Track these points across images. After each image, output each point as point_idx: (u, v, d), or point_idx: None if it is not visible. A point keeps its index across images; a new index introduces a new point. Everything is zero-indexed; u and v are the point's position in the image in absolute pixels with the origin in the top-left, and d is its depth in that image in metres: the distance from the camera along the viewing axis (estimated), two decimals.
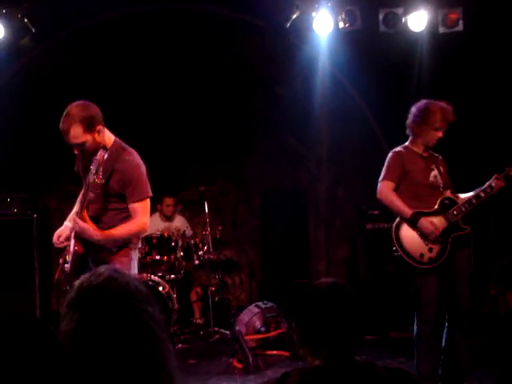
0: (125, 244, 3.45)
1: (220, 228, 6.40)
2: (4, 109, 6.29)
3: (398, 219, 3.94)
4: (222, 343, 5.63)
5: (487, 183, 3.86)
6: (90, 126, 3.27)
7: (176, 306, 5.61)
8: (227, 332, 5.72)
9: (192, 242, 6.02)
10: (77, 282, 1.43)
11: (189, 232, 6.35)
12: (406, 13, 5.86)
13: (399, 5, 5.87)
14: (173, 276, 5.89)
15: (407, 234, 3.88)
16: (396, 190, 3.97)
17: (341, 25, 5.92)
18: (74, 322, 1.33)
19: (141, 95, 6.74)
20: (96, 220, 3.38)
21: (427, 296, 3.83)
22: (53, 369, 1.01)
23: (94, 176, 3.31)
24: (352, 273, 6.52)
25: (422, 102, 3.98)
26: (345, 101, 6.96)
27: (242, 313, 5.14)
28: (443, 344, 3.91)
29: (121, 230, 3.38)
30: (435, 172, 3.98)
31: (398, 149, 4.05)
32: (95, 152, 3.34)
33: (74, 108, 3.30)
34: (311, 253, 6.90)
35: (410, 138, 4.04)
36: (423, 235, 3.84)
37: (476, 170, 3.96)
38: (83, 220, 3.29)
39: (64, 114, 3.29)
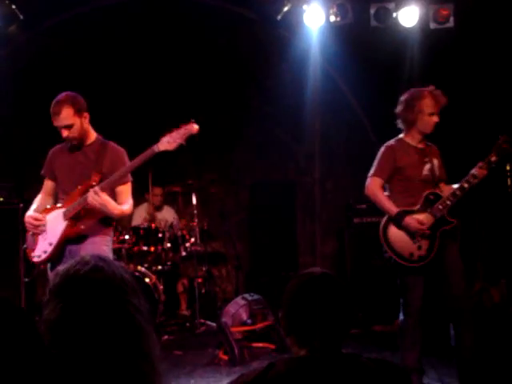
0: (107, 231, 3.67)
1: (207, 221, 6.39)
2: None
3: (385, 218, 3.87)
4: (208, 335, 5.62)
5: (470, 173, 3.78)
6: (79, 109, 3.55)
7: (162, 297, 5.60)
8: (213, 324, 5.71)
9: (179, 233, 6.00)
10: (62, 270, 1.41)
11: (177, 222, 6.33)
12: (397, 8, 5.86)
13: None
14: (159, 267, 5.87)
15: (395, 233, 3.82)
16: (388, 183, 3.91)
17: (332, 18, 5.89)
18: (57, 311, 1.32)
19: (130, 84, 6.69)
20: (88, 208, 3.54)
21: (416, 293, 3.79)
22: (27, 354, 0.99)
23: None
24: (339, 266, 6.54)
25: (410, 90, 3.90)
26: (334, 94, 6.96)
27: (229, 304, 5.13)
28: (453, 344, 3.82)
29: (126, 207, 3.61)
30: (429, 165, 3.89)
31: (391, 143, 3.94)
32: (79, 143, 3.63)
33: (64, 95, 3.57)
34: (298, 246, 6.91)
35: (405, 130, 3.91)
36: (410, 233, 3.78)
37: (468, 163, 3.92)
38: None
39: (54, 101, 3.55)
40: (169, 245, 5.88)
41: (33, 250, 3.64)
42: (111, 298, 1.35)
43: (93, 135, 3.71)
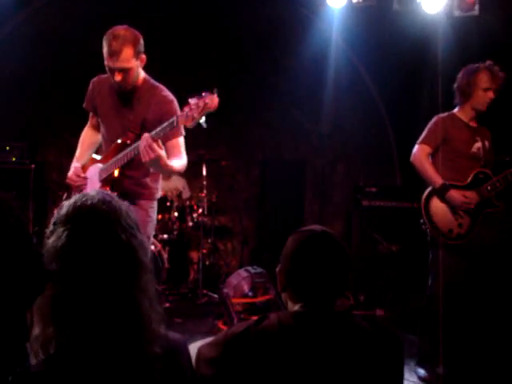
0: (150, 194, 3.37)
1: (216, 193, 6.39)
2: (8, 56, 6.24)
3: (428, 190, 3.78)
4: (209, 305, 5.66)
5: None
6: (138, 51, 3.12)
7: (166, 265, 5.63)
8: (215, 295, 5.74)
9: (187, 203, 6.01)
10: (67, 203, 1.44)
11: (186, 193, 6.32)
12: None
13: None
14: (165, 236, 5.89)
15: (437, 206, 3.73)
16: (434, 157, 3.81)
17: None
18: (63, 238, 1.34)
19: (151, 53, 6.66)
20: (131, 161, 3.19)
21: (446, 273, 3.67)
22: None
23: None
24: None
25: (468, 65, 3.82)
26: (353, 77, 6.91)
27: (231, 276, 5.12)
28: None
29: (176, 164, 3.17)
30: (479, 144, 3.79)
31: (443, 115, 3.86)
32: (132, 88, 3.20)
33: (123, 30, 3.09)
34: (305, 225, 6.88)
35: (459, 106, 3.86)
36: (453, 209, 3.69)
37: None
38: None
39: (111, 36, 3.05)
40: (176, 214, 5.89)
41: None
42: (115, 229, 1.37)
43: (142, 77, 3.24)
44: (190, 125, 2.84)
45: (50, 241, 1.36)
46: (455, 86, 3.85)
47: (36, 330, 1.33)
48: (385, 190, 6.18)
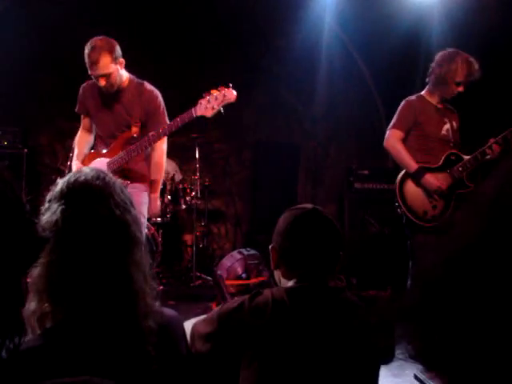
0: (147, 178, 3.76)
1: (209, 176, 6.38)
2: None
3: (402, 173, 3.81)
4: (203, 288, 5.69)
5: (490, 143, 3.68)
6: (116, 57, 3.48)
7: (160, 248, 5.64)
8: (209, 278, 5.77)
9: (180, 186, 6.00)
10: (61, 180, 1.45)
11: (178, 177, 6.32)
12: None
13: None
14: (159, 219, 5.89)
15: (411, 189, 3.76)
16: (405, 140, 3.82)
17: None
18: (58, 213, 1.35)
19: (136, 37, 6.63)
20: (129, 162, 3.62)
21: (424, 254, 3.77)
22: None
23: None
24: None
25: (449, 50, 3.78)
26: (345, 60, 6.89)
27: (225, 258, 5.16)
28: None
29: (163, 158, 3.76)
30: (448, 126, 3.83)
31: (412, 98, 3.88)
32: (118, 89, 3.59)
33: (99, 41, 3.45)
34: None
35: (428, 87, 3.87)
36: (428, 192, 3.72)
37: (482, 135, 3.84)
38: None
39: (89, 48, 3.42)
40: (169, 197, 5.88)
41: None
42: (109, 204, 1.38)
43: (126, 78, 3.66)
44: (210, 114, 3.27)
45: (45, 217, 1.37)
46: (432, 67, 3.83)
47: (32, 305, 1.34)
48: (377, 172, 6.21)
